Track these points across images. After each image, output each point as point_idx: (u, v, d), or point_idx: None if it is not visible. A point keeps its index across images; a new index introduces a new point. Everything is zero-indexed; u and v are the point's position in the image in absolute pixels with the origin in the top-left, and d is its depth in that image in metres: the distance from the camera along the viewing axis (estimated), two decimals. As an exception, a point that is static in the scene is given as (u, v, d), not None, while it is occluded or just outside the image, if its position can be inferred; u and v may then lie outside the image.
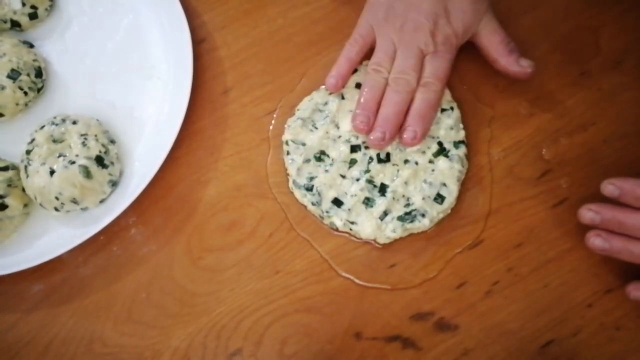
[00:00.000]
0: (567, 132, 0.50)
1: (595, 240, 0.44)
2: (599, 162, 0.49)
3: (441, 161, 0.49)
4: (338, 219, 0.48)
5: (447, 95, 0.51)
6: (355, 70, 0.53)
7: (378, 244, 0.48)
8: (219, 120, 0.53)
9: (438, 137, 0.50)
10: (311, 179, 0.50)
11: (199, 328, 0.47)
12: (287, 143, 0.51)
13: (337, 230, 0.49)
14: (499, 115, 0.51)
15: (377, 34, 0.50)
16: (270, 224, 0.49)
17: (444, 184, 0.48)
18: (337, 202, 0.49)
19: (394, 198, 0.48)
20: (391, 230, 0.48)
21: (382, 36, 0.50)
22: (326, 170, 0.50)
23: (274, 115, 0.53)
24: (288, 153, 0.51)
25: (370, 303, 0.47)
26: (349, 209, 0.48)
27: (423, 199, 0.48)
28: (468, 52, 0.53)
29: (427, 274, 0.47)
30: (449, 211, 0.48)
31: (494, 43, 0.49)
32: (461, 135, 0.50)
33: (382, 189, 0.49)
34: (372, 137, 0.48)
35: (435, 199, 0.48)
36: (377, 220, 0.48)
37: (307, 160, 0.50)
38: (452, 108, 0.51)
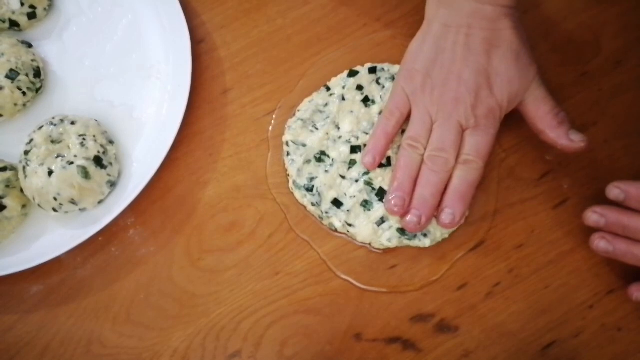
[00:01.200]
0: (568, 132, 0.50)
1: (600, 243, 0.44)
2: (600, 163, 0.49)
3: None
4: (337, 220, 0.48)
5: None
6: (356, 73, 0.52)
7: (373, 248, 0.48)
8: (218, 121, 0.53)
9: None
10: (311, 179, 0.49)
11: (198, 329, 0.47)
12: (287, 144, 0.51)
13: (336, 231, 0.49)
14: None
15: (413, 104, 0.46)
16: (269, 224, 0.49)
17: None
18: (337, 203, 0.49)
19: None
20: (387, 239, 0.47)
21: (418, 107, 0.46)
22: (326, 171, 0.50)
23: (274, 116, 0.53)
24: (288, 154, 0.51)
25: (370, 304, 0.47)
26: (347, 211, 0.48)
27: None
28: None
29: (428, 277, 0.47)
30: (454, 228, 0.47)
31: (541, 113, 0.45)
32: None
33: (381, 194, 0.48)
34: (407, 220, 0.44)
35: None
36: (374, 225, 0.47)
37: (308, 161, 0.50)
38: None
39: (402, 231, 0.47)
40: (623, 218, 0.43)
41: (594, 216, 0.44)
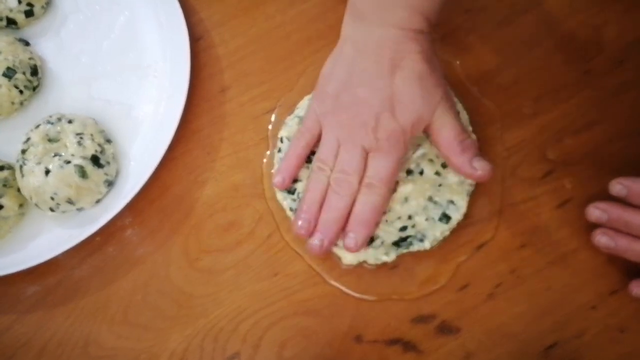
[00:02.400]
0: (571, 131, 0.50)
1: (602, 238, 0.44)
2: (603, 162, 0.48)
3: (451, 174, 0.47)
4: None
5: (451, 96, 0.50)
6: None
7: (369, 265, 0.47)
8: (217, 119, 0.52)
9: None
10: (295, 181, 0.48)
11: (196, 330, 0.46)
12: (281, 140, 0.50)
13: None
14: (502, 115, 0.51)
15: (323, 126, 0.47)
16: (268, 224, 0.49)
17: (452, 201, 0.47)
18: None
19: (386, 221, 0.46)
20: (383, 253, 0.46)
21: (327, 130, 0.47)
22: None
23: (273, 115, 0.52)
24: (280, 150, 0.50)
25: (370, 305, 0.46)
26: None
27: (426, 219, 0.46)
28: (469, 51, 0.53)
29: (431, 284, 0.46)
30: (455, 225, 0.47)
31: (445, 139, 0.44)
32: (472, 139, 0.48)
33: None
34: (310, 243, 0.45)
35: (440, 219, 0.46)
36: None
37: None
38: (457, 113, 0.49)
39: (397, 243, 0.46)
40: (625, 214, 0.43)
41: (596, 212, 0.44)
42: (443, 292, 0.46)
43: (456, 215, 0.46)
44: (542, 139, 0.50)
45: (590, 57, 0.52)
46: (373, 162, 0.45)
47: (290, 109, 0.52)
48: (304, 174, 0.49)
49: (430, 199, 0.47)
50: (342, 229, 0.45)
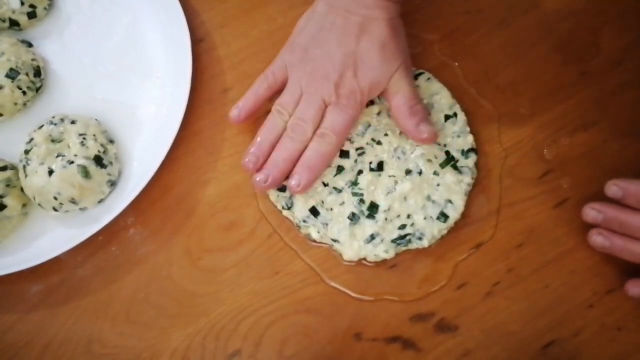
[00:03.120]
0: (568, 131, 0.50)
1: (597, 238, 0.44)
2: (600, 162, 0.49)
3: (448, 173, 0.48)
4: (315, 230, 0.48)
5: (448, 100, 0.50)
6: None
7: (368, 262, 0.47)
8: (218, 120, 0.53)
9: (445, 146, 0.49)
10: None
11: (198, 329, 0.47)
12: None
13: (314, 241, 0.48)
14: (499, 115, 0.51)
15: (289, 74, 0.49)
16: (269, 224, 0.49)
17: (449, 201, 0.47)
18: (315, 212, 0.48)
19: (386, 219, 0.47)
20: (383, 250, 0.46)
21: (292, 78, 0.49)
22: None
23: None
24: None
25: (370, 304, 0.46)
26: (326, 224, 0.47)
27: (424, 218, 0.47)
28: (467, 52, 0.53)
29: (429, 285, 0.47)
30: (453, 224, 0.47)
31: (397, 103, 0.48)
32: (469, 141, 0.49)
33: (372, 209, 0.47)
34: (256, 179, 0.47)
35: (437, 218, 0.47)
36: (362, 242, 0.47)
37: None
38: (455, 114, 0.50)
39: (396, 240, 0.47)
40: (620, 215, 0.44)
41: (592, 212, 0.45)
42: (442, 290, 0.46)
43: (454, 214, 0.47)
44: (539, 139, 0.50)
45: (588, 58, 0.53)
46: (330, 115, 0.47)
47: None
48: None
49: (428, 198, 0.47)
50: (288, 172, 0.47)
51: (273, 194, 0.49)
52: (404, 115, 0.47)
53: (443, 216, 0.47)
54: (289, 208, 0.48)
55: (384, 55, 0.47)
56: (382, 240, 0.46)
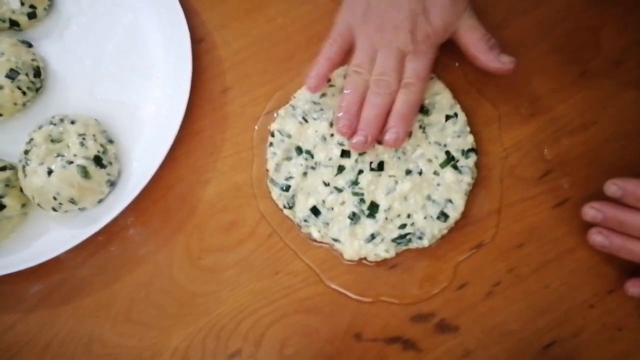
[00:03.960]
0: (568, 131, 0.50)
1: (597, 237, 0.45)
2: (600, 162, 0.49)
3: (448, 173, 0.48)
4: (316, 230, 0.47)
5: (449, 100, 0.50)
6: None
7: (369, 262, 0.47)
8: (219, 120, 0.53)
9: (445, 145, 0.49)
10: (288, 178, 0.49)
11: (198, 328, 0.47)
12: (272, 134, 0.50)
13: (315, 241, 0.48)
14: (500, 115, 0.51)
15: (356, 33, 0.49)
16: (269, 224, 0.49)
17: (450, 200, 0.47)
18: (316, 212, 0.48)
19: (386, 219, 0.47)
20: (384, 250, 0.46)
21: (361, 36, 0.49)
22: (304, 173, 0.49)
23: (276, 113, 0.52)
24: (271, 144, 0.50)
25: (370, 304, 0.47)
26: (327, 223, 0.47)
27: (425, 218, 0.47)
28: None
29: (432, 288, 0.46)
30: (453, 224, 0.47)
31: (473, 40, 0.48)
32: (469, 141, 0.49)
33: (372, 209, 0.47)
34: (354, 141, 0.47)
35: (438, 217, 0.47)
36: (362, 242, 0.46)
37: (289, 158, 0.49)
38: (455, 114, 0.49)
39: (396, 240, 0.46)
40: (620, 214, 0.44)
41: (591, 211, 0.45)
42: (442, 291, 0.46)
43: (454, 214, 0.47)
44: (540, 139, 0.50)
45: (588, 58, 0.53)
46: (411, 63, 0.48)
47: (285, 104, 0.52)
48: (296, 170, 0.49)
49: (428, 197, 0.47)
50: (382, 127, 0.47)
51: (275, 192, 0.49)
52: (482, 50, 0.48)
53: (443, 216, 0.47)
54: (290, 207, 0.48)
55: None
56: (382, 240, 0.46)
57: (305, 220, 0.48)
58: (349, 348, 0.46)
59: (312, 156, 0.49)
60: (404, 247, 0.47)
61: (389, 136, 0.47)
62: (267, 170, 0.50)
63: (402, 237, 0.47)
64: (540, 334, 0.45)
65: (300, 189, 0.48)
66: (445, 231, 0.47)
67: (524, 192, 0.49)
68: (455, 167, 0.48)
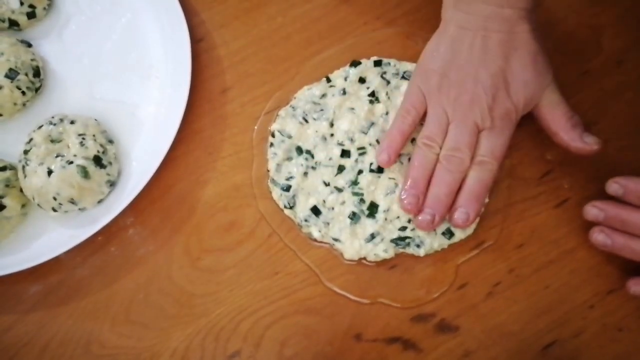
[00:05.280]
0: (569, 131, 0.50)
1: (599, 236, 0.44)
2: (601, 162, 0.49)
3: None
4: (316, 230, 0.47)
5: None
6: (358, 63, 0.51)
7: (368, 262, 0.47)
8: (218, 120, 0.53)
9: None
10: (289, 178, 0.49)
11: (197, 329, 0.47)
12: (273, 135, 0.50)
13: (315, 240, 0.48)
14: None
15: (429, 103, 0.46)
16: (269, 224, 0.49)
17: None
18: (316, 211, 0.48)
19: (386, 219, 0.47)
20: (382, 250, 0.46)
21: (434, 106, 0.46)
22: (305, 173, 0.49)
23: (276, 114, 0.52)
24: (272, 145, 0.50)
25: (370, 305, 0.46)
26: (327, 223, 0.47)
27: (428, 232, 0.46)
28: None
29: (432, 290, 0.46)
30: (457, 241, 0.47)
31: (555, 116, 0.45)
32: None
33: (372, 209, 0.47)
34: (420, 219, 0.45)
35: (443, 233, 0.46)
36: (362, 241, 0.46)
37: (290, 158, 0.49)
38: None
39: (396, 241, 0.46)
40: (622, 212, 0.44)
41: (593, 210, 0.44)
42: (442, 291, 0.46)
43: (460, 235, 0.46)
44: (540, 139, 0.50)
45: (589, 57, 0.52)
46: (487, 140, 0.45)
47: (285, 104, 0.52)
48: (297, 170, 0.49)
49: None
50: (451, 205, 0.45)
51: (276, 192, 0.49)
52: (564, 128, 0.45)
53: (449, 233, 0.46)
54: (291, 207, 0.48)
55: (537, 69, 0.45)
56: (382, 240, 0.46)
57: (305, 220, 0.48)
58: (349, 349, 0.45)
59: (312, 156, 0.49)
60: (401, 250, 0.47)
61: (458, 216, 0.44)
62: (268, 171, 0.50)
63: (401, 239, 0.46)
64: (540, 334, 0.45)
65: (301, 189, 0.48)
66: (445, 246, 0.47)
67: (524, 192, 0.49)
68: None
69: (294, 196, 0.48)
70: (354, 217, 0.47)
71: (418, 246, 0.46)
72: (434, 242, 0.46)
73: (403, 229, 0.47)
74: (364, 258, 0.47)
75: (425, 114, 0.47)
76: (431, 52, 0.47)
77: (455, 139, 0.45)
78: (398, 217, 0.47)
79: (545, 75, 0.45)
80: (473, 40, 0.45)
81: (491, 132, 0.45)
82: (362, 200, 0.47)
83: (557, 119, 0.45)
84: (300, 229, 0.48)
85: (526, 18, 0.45)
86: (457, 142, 0.45)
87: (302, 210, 0.48)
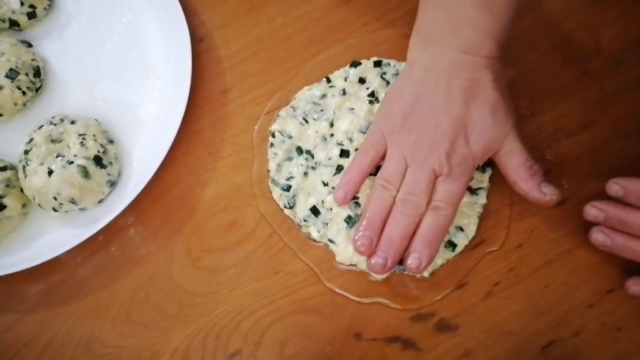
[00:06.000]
0: (568, 131, 0.50)
1: (598, 236, 0.44)
2: (600, 162, 0.49)
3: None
4: (315, 230, 0.47)
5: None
6: (359, 64, 0.51)
7: (360, 270, 0.47)
8: (218, 120, 0.53)
9: None
10: (289, 178, 0.49)
11: (198, 329, 0.47)
12: (273, 135, 0.50)
13: (315, 241, 0.48)
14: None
15: (389, 144, 0.46)
16: (269, 224, 0.49)
17: (460, 228, 0.46)
18: (315, 211, 0.48)
19: None
20: None
21: (394, 148, 0.46)
22: (305, 173, 0.49)
23: (276, 114, 0.52)
24: (272, 145, 0.50)
25: (370, 304, 0.46)
26: (326, 223, 0.47)
27: None
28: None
29: (434, 291, 0.46)
30: (462, 249, 0.46)
31: (514, 165, 0.45)
32: None
33: None
34: (373, 262, 0.44)
35: (445, 246, 0.46)
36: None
37: (290, 158, 0.49)
38: None
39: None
40: (622, 213, 0.44)
41: (593, 210, 0.45)
42: (442, 290, 0.46)
43: (463, 242, 0.46)
44: (539, 139, 0.50)
45: (588, 58, 0.53)
46: (443, 186, 0.44)
47: (285, 104, 0.52)
48: (297, 170, 0.49)
49: None
50: (405, 249, 0.44)
51: (276, 192, 0.49)
52: (522, 177, 0.45)
53: (452, 245, 0.46)
54: (290, 207, 0.48)
55: (496, 118, 0.45)
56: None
57: (305, 220, 0.48)
58: (349, 348, 0.46)
59: (312, 156, 0.49)
60: (398, 271, 0.46)
61: (411, 261, 0.43)
62: (269, 171, 0.50)
63: (400, 262, 0.45)
64: (539, 333, 0.45)
65: (301, 189, 0.48)
66: (450, 258, 0.46)
67: (524, 192, 0.49)
68: (469, 188, 0.47)
69: (294, 196, 0.48)
70: (349, 220, 0.47)
71: None
72: (437, 259, 0.46)
73: None
74: (355, 265, 0.47)
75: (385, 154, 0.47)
76: (395, 94, 0.47)
77: (412, 183, 0.45)
78: None
79: (504, 123, 0.45)
80: (437, 84, 0.45)
81: (448, 178, 0.45)
82: (357, 204, 0.47)
83: (516, 168, 0.45)
84: (300, 229, 0.48)
85: (489, 67, 0.45)
86: (414, 186, 0.44)
87: (301, 210, 0.48)
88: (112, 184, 0.50)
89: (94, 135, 0.49)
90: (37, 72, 0.53)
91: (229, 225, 0.49)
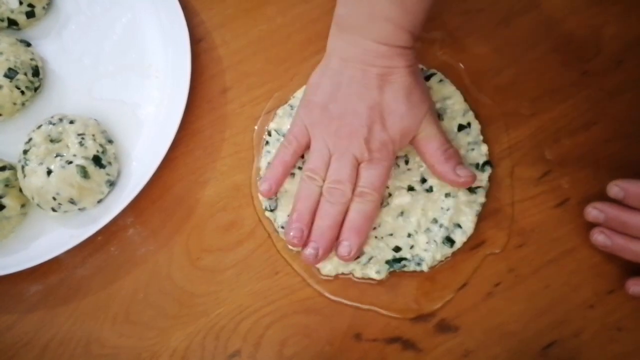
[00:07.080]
0: (569, 132, 0.50)
1: (599, 237, 0.45)
2: (600, 162, 0.49)
3: (460, 193, 0.46)
4: None
5: (462, 105, 0.49)
6: None
7: (356, 278, 0.46)
8: (218, 120, 0.53)
9: None
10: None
11: (197, 329, 0.47)
12: (269, 133, 0.50)
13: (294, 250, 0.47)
14: (500, 115, 0.51)
15: (312, 136, 0.47)
16: (269, 224, 0.49)
17: (459, 225, 0.46)
18: None
19: (376, 237, 0.46)
20: (375, 271, 0.45)
21: (316, 139, 0.47)
22: (292, 174, 0.48)
23: (275, 112, 0.52)
24: (267, 143, 0.50)
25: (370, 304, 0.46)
26: None
27: (427, 242, 0.46)
28: (467, 52, 0.53)
29: (434, 297, 0.46)
30: (460, 246, 0.46)
31: (430, 149, 0.46)
32: (484, 151, 0.48)
33: None
34: (306, 253, 0.45)
35: (443, 242, 0.46)
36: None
37: None
38: (469, 124, 0.49)
39: (391, 262, 0.46)
40: (622, 215, 0.44)
41: (593, 211, 0.45)
42: (442, 290, 0.46)
43: (461, 239, 0.46)
44: (540, 139, 0.50)
45: (589, 57, 0.52)
46: (365, 171, 0.45)
47: (284, 104, 0.52)
48: (289, 183, 0.48)
49: (435, 221, 0.46)
50: (336, 238, 0.45)
51: (265, 204, 0.49)
52: (438, 160, 0.46)
53: (449, 241, 0.46)
54: (271, 210, 0.48)
55: (411, 102, 0.45)
56: (370, 259, 0.46)
57: (282, 227, 0.47)
58: (349, 348, 0.45)
59: (302, 157, 0.49)
60: (398, 270, 0.46)
61: (341, 250, 0.45)
62: (259, 169, 0.50)
63: (396, 260, 0.46)
64: (540, 334, 0.45)
65: (285, 192, 0.48)
66: (449, 255, 0.46)
67: (524, 192, 0.48)
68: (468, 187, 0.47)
69: (276, 199, 0.48)
70: None
71: (419, 264, 0.46)
72: (435, 254, 0.45)
73: (397, 249, 0.46)
74: (349, 273, 0.46)
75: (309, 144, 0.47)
76: (315, 85, 0.48)
77: (336, 172, 0.45)
78: (391, 234, 0.46)
79: (420, 107, 0.46)
80: (353, 73, 0.46)
81: (369, 164, 0.45)
82: None
83: (432, 152, 0.46)
84: (278, 235, 0.48)
85: (402, 55, 0.45)
86: (338, 175, 0.45)
87: (282, 216, 0.48)
88: (112, 184, 0.50)
89: (93, 135, 0.49)
90: (36, 72, 0.53)
91: (229, 225, 0.49)
